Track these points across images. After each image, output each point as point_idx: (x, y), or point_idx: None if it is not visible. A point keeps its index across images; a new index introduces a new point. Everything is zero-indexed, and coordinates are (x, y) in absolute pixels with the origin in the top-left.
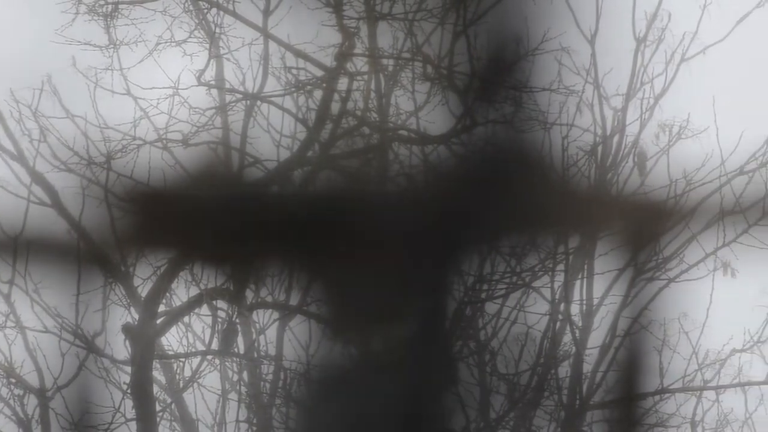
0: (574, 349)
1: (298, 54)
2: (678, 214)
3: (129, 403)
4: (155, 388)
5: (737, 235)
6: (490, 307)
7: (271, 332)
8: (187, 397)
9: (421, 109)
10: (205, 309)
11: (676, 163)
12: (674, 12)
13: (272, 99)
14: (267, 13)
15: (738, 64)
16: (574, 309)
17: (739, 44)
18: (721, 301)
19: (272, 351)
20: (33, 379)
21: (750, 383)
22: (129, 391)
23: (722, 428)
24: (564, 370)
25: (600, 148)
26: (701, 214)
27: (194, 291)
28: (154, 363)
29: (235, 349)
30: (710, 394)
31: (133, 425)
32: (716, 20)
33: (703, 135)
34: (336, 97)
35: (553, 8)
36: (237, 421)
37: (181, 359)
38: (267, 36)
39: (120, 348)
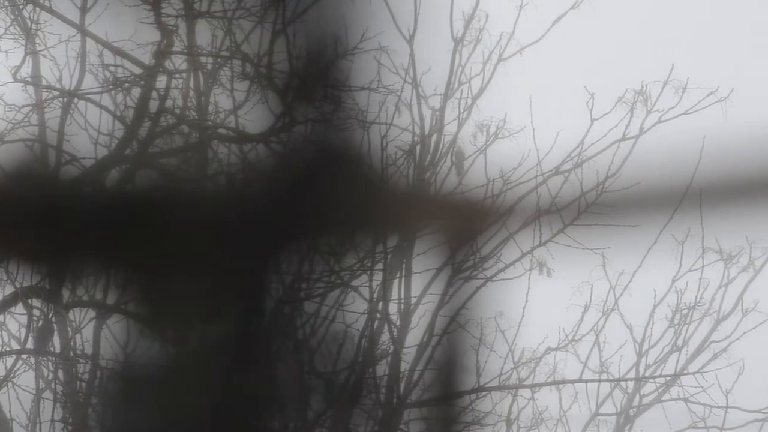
0: (392, 347)
1: (116, 51)
2: (495, 214)
3: None
4: None
5: (553, 234)
6: (309, 306)
7: (88, 331)
8: (1, 396)
9: (240, 108)
10: (20, 307)
11: (494, 163)
12: (491, 13)
13: (90, 96)
14: (84, 9)
15: (554, 64)
16: (393, 308)
17: (554, 45)
18: (537, 300)
19: (89, 350)
20: None
21: (564, 381)
22: None
23: (537, 426)
24: (382, 368)
25: (418, 148)
26: (518, 213)
27: (9, 289)
28: None
29: (51, 348)
30: (526, 392)
31: None
32: (532, 21)
33: (519, 135)
34: (154, 94)
35: (371, 8)
36: (52, 420)
37: None
38: (84, 33)
39: None
